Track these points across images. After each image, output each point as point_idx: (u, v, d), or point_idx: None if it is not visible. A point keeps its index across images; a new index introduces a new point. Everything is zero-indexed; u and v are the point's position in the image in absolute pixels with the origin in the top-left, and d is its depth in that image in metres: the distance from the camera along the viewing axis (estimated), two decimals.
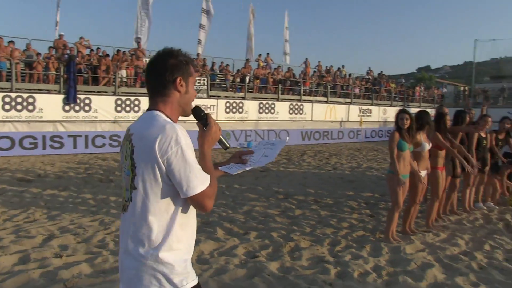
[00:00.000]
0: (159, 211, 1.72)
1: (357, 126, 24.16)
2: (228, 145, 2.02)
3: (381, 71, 30.61)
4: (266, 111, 20.22)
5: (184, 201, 1.75)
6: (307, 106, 22.25)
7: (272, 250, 5.14)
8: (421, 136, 5.70)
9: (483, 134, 6.90)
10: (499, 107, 25.55)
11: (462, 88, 38.39)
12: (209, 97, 18.32)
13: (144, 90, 17.69)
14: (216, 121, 1.89)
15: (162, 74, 1.81)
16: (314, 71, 26.03)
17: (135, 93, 17.07)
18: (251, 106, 19.46)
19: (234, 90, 20.15)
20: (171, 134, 1.66)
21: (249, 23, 23.96)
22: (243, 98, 19.59)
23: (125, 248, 1.79)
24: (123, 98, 16.35)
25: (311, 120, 22.27)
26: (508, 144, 7.31)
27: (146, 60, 19.46)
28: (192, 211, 1.82)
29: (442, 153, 6.02)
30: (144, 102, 16.70)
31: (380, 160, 14.81)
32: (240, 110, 19.10)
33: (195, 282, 1.80)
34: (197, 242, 4.41)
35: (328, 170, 12.29)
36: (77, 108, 15.24)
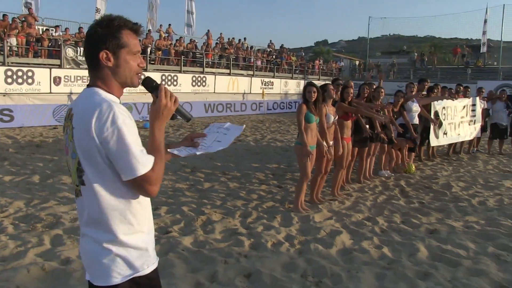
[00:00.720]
0: (110, 194, 1.62)
1: (259, 98, 24.51)
2: (189, 116, 1.86)
3: (282, 44, 31.29)
4: (169, 83, 19.58)
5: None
6: (210, 78, 21.99)
7: (184, 225, 5.01)
8: (327, 108, 5.87)
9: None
10: (390, 81, 27.63)
11: (357, 62, 40.82)
12: None
13: (38, 60, 16.26)
14: (170, 94, 1.69)
15: (88, 48, 1.67)
16: (216, 43, 25.73)
17: (28, 63, 15.44)
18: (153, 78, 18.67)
19: None
20: (106, 114, 1.52)
21: None
22: (145, 70, 18.70)
23: (83, 232, 1.70)
24: (14, 69, 14.67)
25: (214, 93, 22.09)
26: (402, 116, 7.89)
27: (38, 28, 17.64)
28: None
29: (348, 124, 6.30)
30: (39, 73, 15.23)
31: (283, 132, 15.21)
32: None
33: (155, 266, 1.76)
34: None
35: (233, 142, 12.28)
36: None
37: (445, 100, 9.19)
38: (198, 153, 1.92)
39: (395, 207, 5.91)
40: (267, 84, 26.00)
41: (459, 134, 9.84)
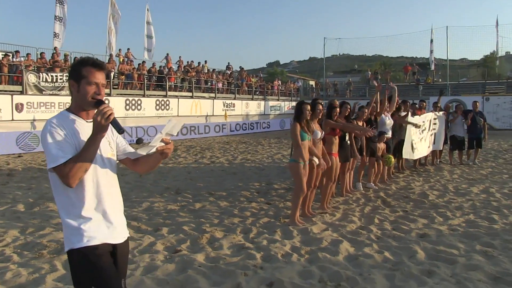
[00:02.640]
0: (53, 182, 2.22)
1: (222, 120, 24.80)
2: (121, 129, 2.21)
3: (241, 66, 31.90)
4: (133, 107, 19.51)
5: None
6: (173, 102, 22.10)
7: (190, 243, 5.14)
8: (314, 125, 6.22)
9: (360, 123, 7.81)
10: (347, 99, 28.74)
11: (313, 82, 42.04)
12: None
13: None
14: (104, 111, 2.10)
15: (67, 79, 2.36)
16: (178, 67, 25.91)
17: None
18: (117, 103, 18.54)
19: None
20: (45, 125, 2.18)
21: (109, 17, 22.67)
22: (109, 94, 18.58)
23: None
24: None
25: (178, 116, 22.17)
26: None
27: None
28: (82, 182, 2.18)
29: (336, 140, 6.68)
30: (0, 100, 14.81)
31: (252, 152, 15.51)
32: None
33: (88, 244, 2.18)
34: None
35: (207, 164, 12.48)
36: None
37: (416, 117, 9.86)
38: (143, 153, 2.36)
39: (383, 216, 6.31)
40: (229, 106, 26.37)
41: (428, 147, 10.61)
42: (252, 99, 29.25)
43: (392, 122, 8.96)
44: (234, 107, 26.76)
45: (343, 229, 5.67)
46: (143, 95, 20.47)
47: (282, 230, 5.65)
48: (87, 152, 2.12)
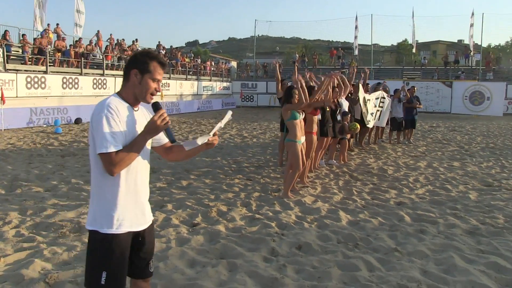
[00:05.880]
0: (96, 163, 2.27)
1: (158, 99, 24.48)
2: (173, 139, 2.39)
3: (171, 46, 31.49)
4: (70, 86, 18.71)
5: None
6: (110, 81, 21.48)
7: (202, 217, 5.53)
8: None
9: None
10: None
11: (234, 63, 42.49)
12: (6, 70, 15.88)
13: None
14: (164, 116, 2.23)
15: (126, 65, 2.38)
16: (107, 44, 25.01)
17: None
18: (53, 81, 17.69)
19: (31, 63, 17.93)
20: (100, 108, 2.22)
21: None
22: (45, 72, 17.65)
23: None
24: None
25: None
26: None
27: None
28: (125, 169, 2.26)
29: (315, 119, 7.32)
30: None
31: (198, 131, 15.82)
32: (43, 85, 17.17)
33: (116, 231, 2.28)
34: None
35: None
36: None
37: (367, 94, 10.96)
38: (199, 142, 2.43)
39: (358, 189, 7.15)
40: (164, 85, 26.08)
41: (378, 119, 11.88)
42: (185, 79, 29.16)
43: (348, 103, 9.87)
44: (169, 87, 26.55)
45: (331, 200, 6.40)
46: (80, 74, 19.67)
47: (279, 202, 6.23)
48: (137, 148, 2.24)
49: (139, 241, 2.42)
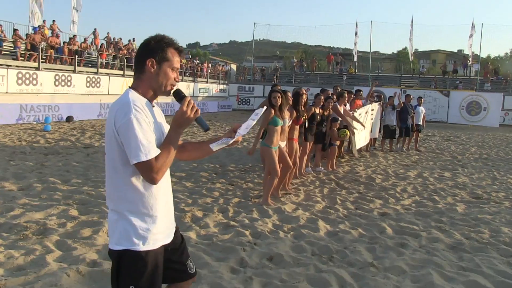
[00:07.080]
0: (122, 175, 1.95)
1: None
2: (206, 127, 2.13)
3: None
4: (63, 83, 18.48)
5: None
6: (104, 80, 21.26)
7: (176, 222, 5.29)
8: (284, 113, 6.61)
9: (317, 111, 8.32)
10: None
11: (234, 66, 42.28)
12: None
13: None
14: (191, 104, 1.96)
15: (138, 55, 2.04)
16: (106, 43, 24.85)
17: None
18: (45, 78, 17.46)
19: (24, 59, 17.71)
20: (125, 109, 1.88)
21: None
22: (37, 68, 17.42)
23: (106, 204, 2.09)
24: None
25: (109, 94, 21.40)
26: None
27: None
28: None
29: (297, 127, 7.12)
30: None
31: (190, 134, 15.57)
32: (34, 82, 16.94)
33: (152, 247, 2.01)
34: None
35: None
36: None
37: (358, 110, 10.64)
38: (230, 141, 2.17)
39: (342, 197, 6.91)
40: None
41: (368, 134, 11.62)
42: (182, 80, 28.93)
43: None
44: None
45: (312, 208, 6.16)
46: (74, 71, 19.45)
47: (257, 209, 5.99)
48: (174, 146, 1.96)
49: (168, 250, 2.17)
